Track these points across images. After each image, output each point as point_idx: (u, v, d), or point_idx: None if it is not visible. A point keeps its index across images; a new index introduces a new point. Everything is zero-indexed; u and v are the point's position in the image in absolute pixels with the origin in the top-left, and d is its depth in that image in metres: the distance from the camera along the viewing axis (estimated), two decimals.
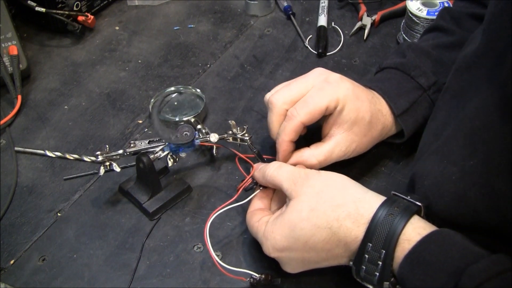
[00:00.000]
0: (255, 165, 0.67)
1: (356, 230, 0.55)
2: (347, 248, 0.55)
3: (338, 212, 0.56)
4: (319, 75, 0.69)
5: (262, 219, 0.61)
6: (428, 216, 0.56)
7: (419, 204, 0.55)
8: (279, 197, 0.67)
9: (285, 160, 0.69)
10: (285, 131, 0.67)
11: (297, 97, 0.67)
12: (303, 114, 0.66)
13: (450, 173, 0.55)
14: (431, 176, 0.58)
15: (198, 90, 0.86)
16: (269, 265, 0.62)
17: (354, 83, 0.69)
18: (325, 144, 0.68)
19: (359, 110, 0.67)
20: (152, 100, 0.85)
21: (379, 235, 0.53)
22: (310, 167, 0.68)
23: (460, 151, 0.55)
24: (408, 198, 0.56)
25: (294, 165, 0.67)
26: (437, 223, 0.55)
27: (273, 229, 0.58)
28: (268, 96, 0.70)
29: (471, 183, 0.52)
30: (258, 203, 0.66)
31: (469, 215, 0.53)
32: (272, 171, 0.63)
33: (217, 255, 0.65)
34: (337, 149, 0.68)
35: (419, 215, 0.55)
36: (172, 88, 0.87)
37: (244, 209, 0.68)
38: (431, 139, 0.62)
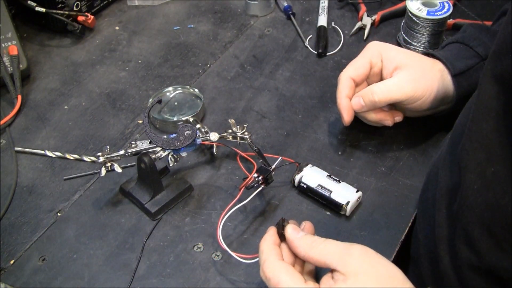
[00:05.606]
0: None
1: None
2: None
3: None
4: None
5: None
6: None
7: None
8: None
9: (349, 115, 0.75)
10: (339, 88, 0.76)
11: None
12: (348, 69, 0.76)
13: (470, 181, 0.54)
14: (458, 189, 0.56)
15: (196, 90, 0.86)
16: None
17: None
18: (388, 80, 0.74)
19: (406, 53, 0.75)
20: (150, 100, 0.85)
21: None
22: (372, 100, 0.73)
23: (472, 157, 0.53)
24: None
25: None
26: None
27: None
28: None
29: (502, 191, 0.51)
30: (288, 269, 0.56)
31: (504, 223, 0.51)
32: (319, 249, 0.56)
33: (217, 255, 0.65)
34: (402, 83, 0.72)
35: None
36: (170, 88, 0.87)
37: (246, 208, 0.68)
38: (450, 148, 0.60)
